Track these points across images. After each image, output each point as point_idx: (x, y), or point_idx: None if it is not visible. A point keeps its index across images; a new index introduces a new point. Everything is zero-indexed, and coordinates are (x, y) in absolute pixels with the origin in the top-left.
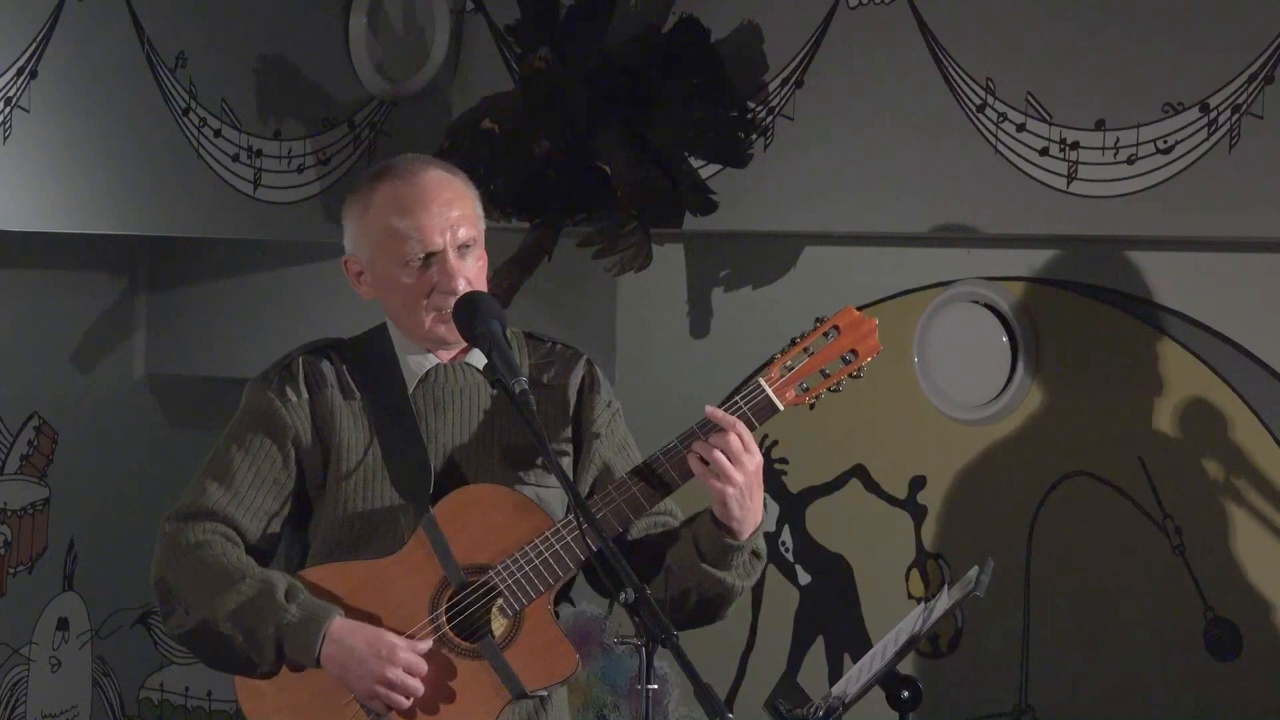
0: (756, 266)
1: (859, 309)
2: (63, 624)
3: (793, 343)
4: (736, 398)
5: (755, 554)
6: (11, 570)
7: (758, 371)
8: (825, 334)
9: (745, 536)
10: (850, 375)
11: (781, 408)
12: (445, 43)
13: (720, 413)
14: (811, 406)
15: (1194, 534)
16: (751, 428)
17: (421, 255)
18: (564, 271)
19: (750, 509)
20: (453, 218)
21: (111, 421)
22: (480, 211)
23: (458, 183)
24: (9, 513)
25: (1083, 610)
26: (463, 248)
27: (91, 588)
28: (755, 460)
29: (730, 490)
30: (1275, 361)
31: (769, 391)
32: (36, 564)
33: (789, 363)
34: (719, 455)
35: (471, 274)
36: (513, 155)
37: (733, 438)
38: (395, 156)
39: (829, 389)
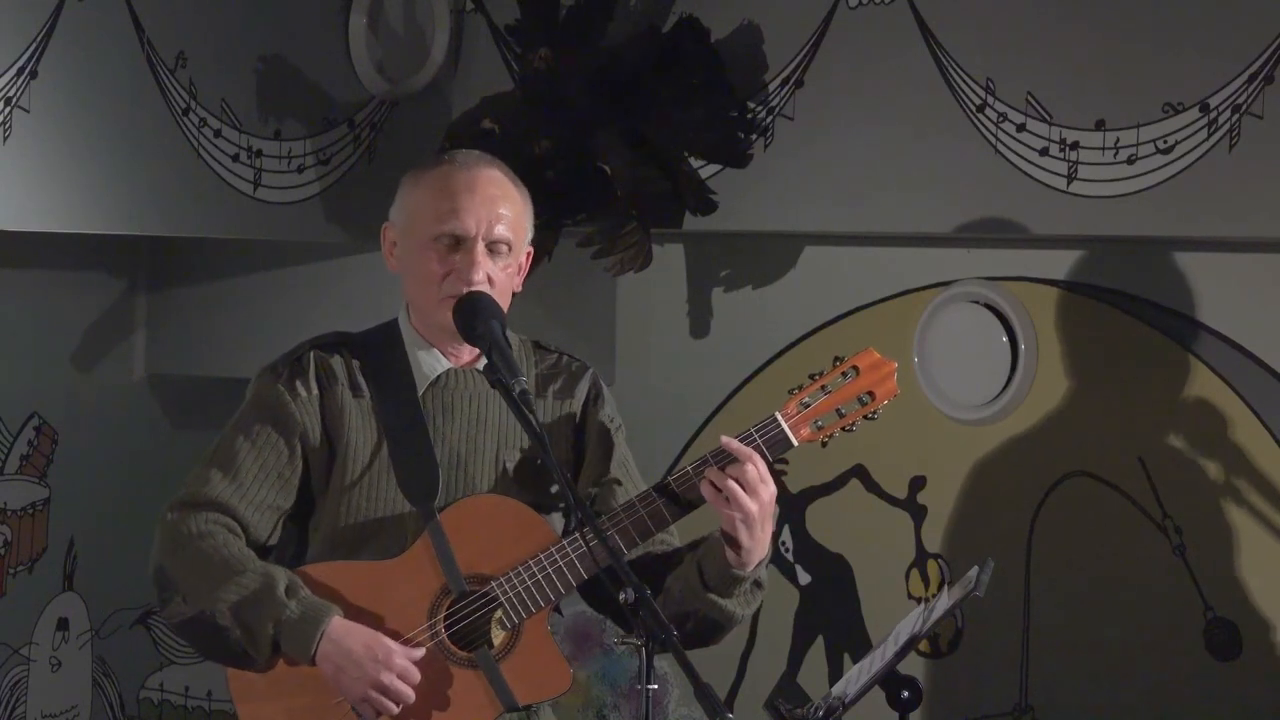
0: (756, 266)
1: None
2: (63, 624)
3: (811, 379)
4: (752, 430)
5: (757, 584)
6: (11, 570)
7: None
8: (844, 374)
9: (751, 566)
10: (865, 417)
11: (796, 443)
12: (445, 43)
13: (737, 444)
14: (824, 444)
15: (1194, 534)
16: (765, 462)
17: (451, 237)
18: (564, 271)
19: (759, 539)
20: (494, 213)
21: (111, 421)
22: (528, 226)
23: (513, 189)
24: (9, 513)
25: (1083, 610)
26: (494, 246)
27: (91, 588)
28: (770, 490)
29: (741, 518)
30: (1275, 361)
31: (784, 427)
32: (36, 564)
33: (806, 399)
34: (733, 484)
35: (496, 275)
36: (513, 155)
37: (749, 467)
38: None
39: (843, 429)
